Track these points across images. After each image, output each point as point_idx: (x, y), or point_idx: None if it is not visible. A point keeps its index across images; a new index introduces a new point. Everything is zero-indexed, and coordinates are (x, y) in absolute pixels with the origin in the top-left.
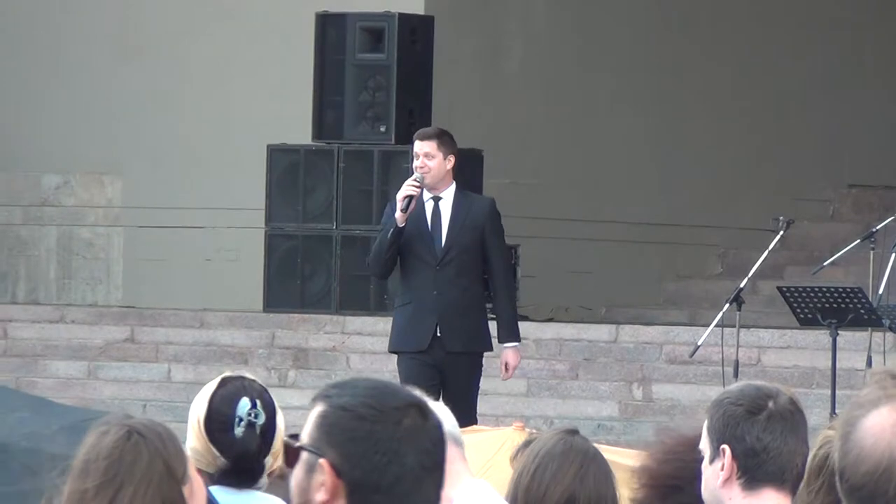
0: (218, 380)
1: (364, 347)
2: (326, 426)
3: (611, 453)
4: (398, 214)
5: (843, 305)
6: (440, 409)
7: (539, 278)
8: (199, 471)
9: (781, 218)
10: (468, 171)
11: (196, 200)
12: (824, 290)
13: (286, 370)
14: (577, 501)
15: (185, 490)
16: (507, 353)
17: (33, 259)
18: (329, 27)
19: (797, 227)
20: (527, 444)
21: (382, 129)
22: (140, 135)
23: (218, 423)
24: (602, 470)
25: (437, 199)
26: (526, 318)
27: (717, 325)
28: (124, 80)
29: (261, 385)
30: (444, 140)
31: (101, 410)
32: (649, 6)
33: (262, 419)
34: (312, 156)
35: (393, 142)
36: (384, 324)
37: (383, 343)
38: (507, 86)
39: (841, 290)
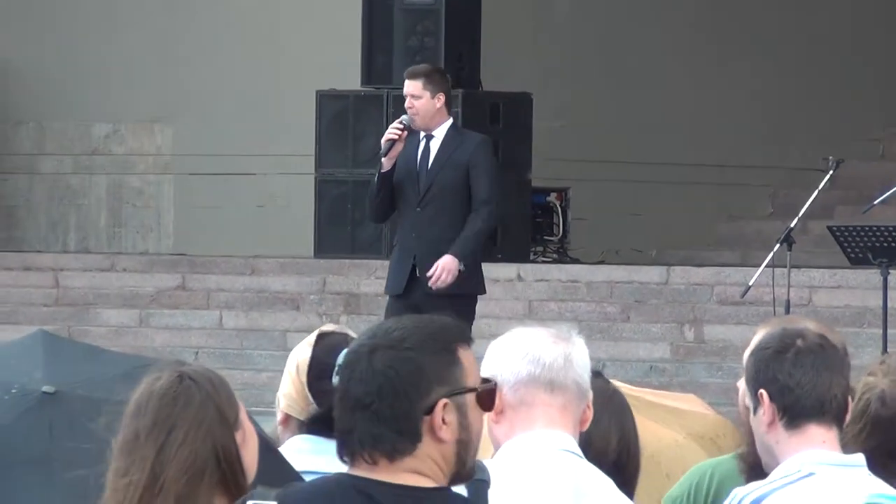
0: (319, 331)
1: None
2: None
3: (664, 398)
4: (383, 159)
5: (893, 244)
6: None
7: (590, 221)
8: (290, 417)
9: (831, 158)
10: (518, 113)
11: (246, 147)
12: (875, 229)
13: (337, 316)
14: (591, 444)
15: (238, 436)
16: (446, 257)
17: (84, 208)
18: None
19: (847, 167)
20: None
21: None
22: (190, 82)
23: (318, 370)
24: (619, 411)
25: (429, 138)
26: (577, 261)
27: (767, 266)
28: (173, 28)
29: None
30: (432, 78)
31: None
32: None
33: None
34: (361, 101)
35: None
36: None
37: None
38: (557, 28)
39: (892, 228)
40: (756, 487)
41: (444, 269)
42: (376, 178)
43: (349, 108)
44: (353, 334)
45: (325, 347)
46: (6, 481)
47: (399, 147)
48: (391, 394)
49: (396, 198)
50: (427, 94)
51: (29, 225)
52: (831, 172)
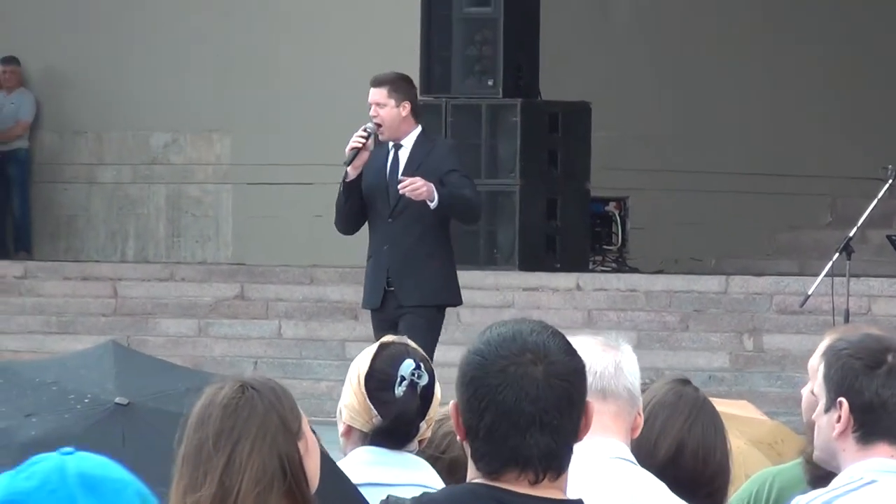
0: (380, 342)
1: (474, 301)
2: (459, 367)
3: (719, 405)
4: (347, 169)
5: None
6: (611, 360)
7: (648, 230)
8: (352, 428)
9: (890, 166)
10: (576, 123)
11: (304, 156)
12: None
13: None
14: (685, 450)
15: (301, 445)
16: (425, 182)
17: (143, 217)
18: None
19: None
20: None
21: (490, 82)
22: (247, 92)
23: (379, 381)
24: (711, 419)
25: (397, 147)
26: (636, 270)
27: (826, 275)
28: (231, 38)
29: (422, 353)
30: (397, 86)
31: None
32: None
33: (424, 380)
34: (420, 110)
35: (500, 95)
36: (494, 278)
37: (494, 297)
38: (614, 38)
39: None
40: (818, 495)
41: (415, 182)
42: (341, 188)
43: None
44: (412, 345)
45: (386, 358)
46: None
47: (364, 156)
48: (568, 407)
49: (367, 209)
50: (392, 103)
51: (88, 235)
52: (890, 181)
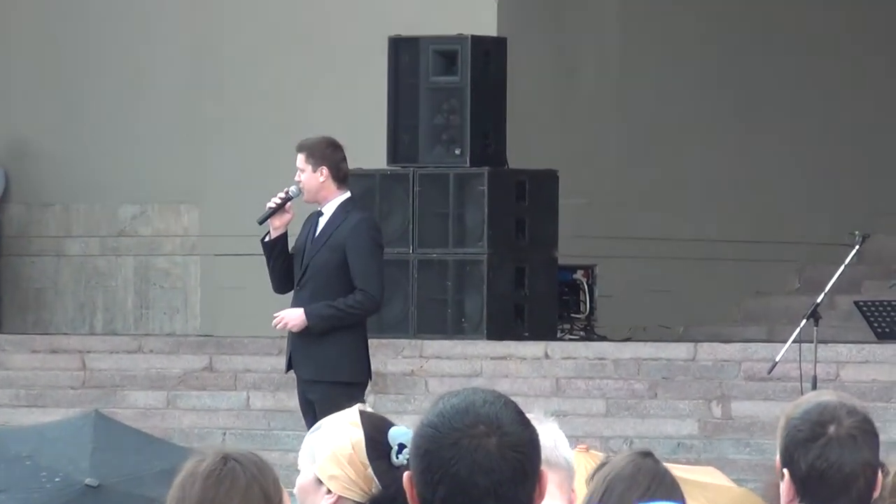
0: (353, 411)
1: (443, 371)
2: (412, 439)
3: (686, 472)
4: (270, 229)
5: None
6: (548, 430)
7: (616, 298)
8: (342, 499)
9: (857, 232)
10: (544, 191)
11: None
12: None
13: (365, 395)
14: None
15: None
16: (297, 310)
17: (111, 290)
18: (402, 51)
19: (873, 241)
20: (601, 466)
21: (457, 151)
22: (216, 163)
23: (375, 451)
24: (669, 493)
25: (319, 214)
26: (604, 338)
27: (794, 341)
28: (198, 109)
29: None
30: (314, 151)
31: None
32: (724, 25)
33: None
34: (388, 180)
35: (468, 164)
36: (462, 347)
37: (462, 366)
38: (581, 106)
39: None
40: None
41: (285, 318)
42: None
43: (376, 188)
44: (370, 410)
45: (374, 426)
46: None
47: (286, 217)
48: (522, 478)
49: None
50: (309, 168)
51: (56, 307)
52: (857, 247)
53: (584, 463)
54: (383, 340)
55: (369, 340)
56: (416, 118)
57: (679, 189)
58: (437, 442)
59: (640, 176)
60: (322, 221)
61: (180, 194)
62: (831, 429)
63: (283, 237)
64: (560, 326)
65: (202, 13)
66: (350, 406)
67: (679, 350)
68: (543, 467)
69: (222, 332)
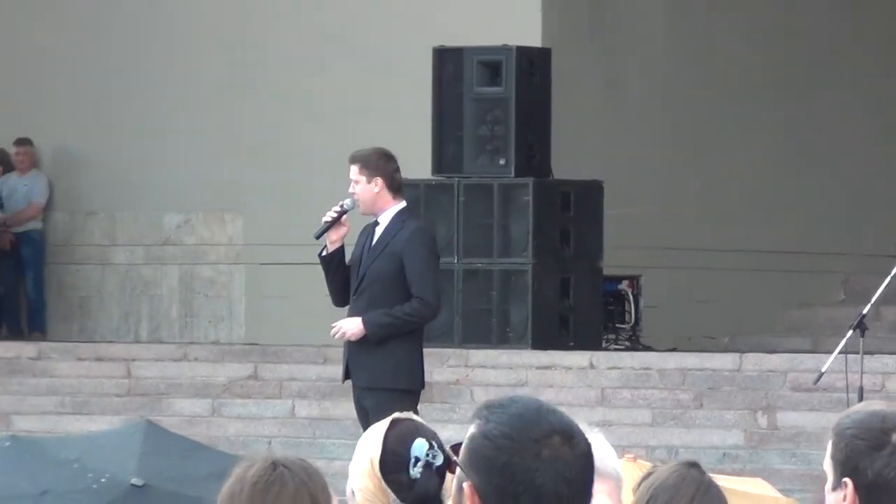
0: (389, 420)
1: (488, 380)
2: (471, 451)
3: (733, 482)
4: (327, 243)
5: None
6: (595, 440)
7: (661, 308)
8: None
9: None
10: (589, 201)
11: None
12: None
13: None
14: None
15: None
16: (355, 319)
17: (156, 298)
18: (447, 62)
19: None
20: (647, 476)
21: (502, 162)
22: (260, 171)
23: (392, 463)
24: (715, 502)
25: (375, 224)
26: (649, 349)
27: (840, 352)
28: (243, 118)
29: (430, 428)
30: (368, 163)
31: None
32: (769, 37)
33: (439, 460)
34: (432, 190)
35: (513, 175)
36: (507, 356)
37: (507, 376)
38: (626, 116)
39: None
40: None
41: (342, 327)
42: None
43: (420, 198)
44: (420, 421)
45: (397, 439)
46: None
47: (342, 231)
48: (591, 484)
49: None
50: (363, 179)
51: (101, 315)
52: None
53: (631, 472)
54: (429, 350)
55: None
56: (461, 128)
57: (724, 200)
58: (519, 454)
59: (685, 186)
60: (378, 231)
61: (225, 203)
62: (894, 437)
63: (340, 250)
64: (605, 336)
65: (247, 23)
66: (389, 414)
67: (724, 360)
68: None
69: (267, 341)
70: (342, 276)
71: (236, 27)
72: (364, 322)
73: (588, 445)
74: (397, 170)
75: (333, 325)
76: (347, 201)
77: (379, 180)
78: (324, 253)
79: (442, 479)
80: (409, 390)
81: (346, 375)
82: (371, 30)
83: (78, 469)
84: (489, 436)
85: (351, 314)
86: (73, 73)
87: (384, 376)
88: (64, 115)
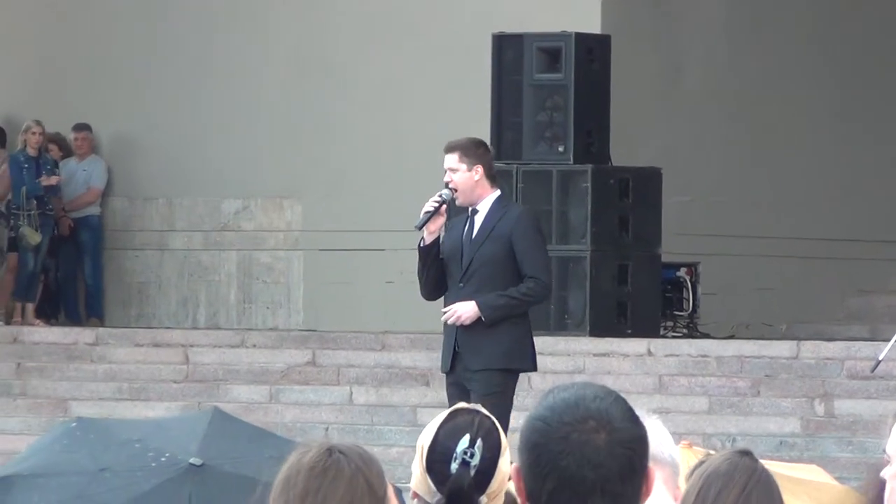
0: (450, 410)
1: (546, 367)
2: (521, 432)
3: (789, 469)
4: (424, 234)
5: None
6: (652, 427)
7: (720, 295)
8: (417, 495)
9: None
10: (647, 188)
11: (376, 223)
12: None
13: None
14: None
15: None
16: (469, 302)
17: (214, 284)
18: (506, 48)
19: None
20: (699, 463)
21: (561, 148)
22: (318, 158)
23: (439, 454)
24: (767, 490)
25: (473, 213)
26: (707, 336)
27: None
28: (302, 105)
29: (491, 423)
30: (468, 151)
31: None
32: (828, 26)
33: (476, 460)
34: (497, 175)
35: (571, 161)
36: (565, 343)
37: (565, 363)
38: (685, 103)
39: None
40: None
41: (457, 311)
42: (418, 256)
43: None
44: (483, 415)
45: (449, 431)
46: None
47: (440, 221)
48: (630, 474)
49: (446, 275)
50: (464, 167)
51: (159, 301)
52: None
53: (687, 459)
54: None
55: None
56: (520, 115)
57: (783, 187)
58: (547, 435)
59: (744, 174)
60: (478, 219)
61: (283, 189)
62: None
63: (437, 241)
64: (663, 324)
65: (307, 10)
66: (511, 394)
67: (782, 348)
68: (650, 464)
69: (325, 327)
70: (438, 267)
71: (297, 14)
72: (479, 304)
73: (632, 436)
74: (493, 158)
75: (445, 309)
76: (445, 192)
77: (479, 168)
78: (422, 244)
79: (484, 477)
80: (520, 370)
81: (452, 362)
82: (431, 16)
83: (139, 448)
84: (530, 417)
85: (458, 299)
86: (133, 58)
87: (499, 358)
88: (122, 100)
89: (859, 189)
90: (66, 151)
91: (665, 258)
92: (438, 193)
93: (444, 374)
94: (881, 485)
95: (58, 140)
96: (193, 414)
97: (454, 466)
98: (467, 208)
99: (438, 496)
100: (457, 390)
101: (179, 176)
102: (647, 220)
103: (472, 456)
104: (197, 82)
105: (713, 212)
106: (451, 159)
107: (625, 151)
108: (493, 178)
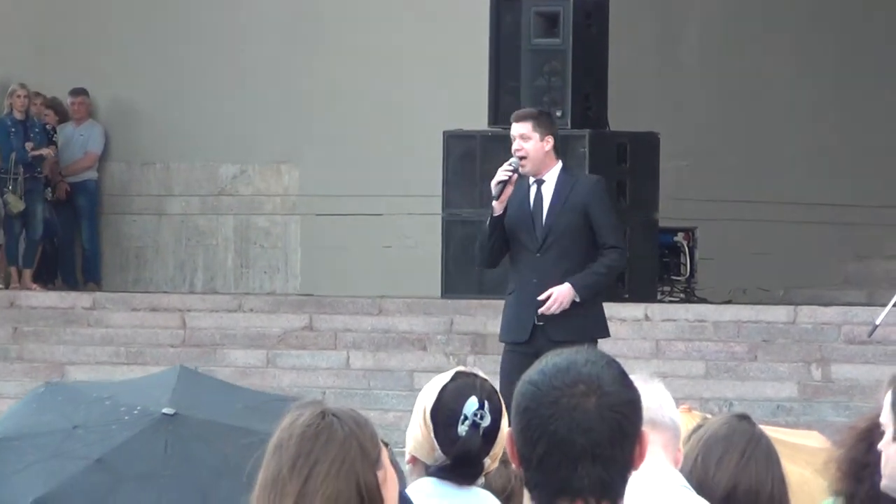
0: (451, 373)
1: None
2: (514, 397)
3: (788, 435)
4: (494, 203)
5: None
6: (654, 391)
7: (717, 260)
8: (417, 459)
9: None
10: (645, 153)
11: (373, 188)
12: None
13: (464, 356)
14: (739, 487)
15: (380, 474)
16: (564, 286)
17: (211, 248)
18: (504, 12)
19: None
20: (697, 427)
21: (558, 114)
22: (316, 123)
23: (444, 416)
24: (766, 455)
25: (539, 182)
26: (704, 301)
27: (895, 305)
28: (300, 70)
29: (492, 386)
30: (541, 121)
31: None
32: None
33: (486, 421)
34: (489, 141)
35: (569, 126)
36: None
37: None
38: (683, 69)
39: None
40: None
41: (558, 298)
42: (488, 223)
43: (476, 148)
44: (483, 376)
45: (453, 393)
46: (116, 497)
47: (509, 190)
48: (621, 439)
49: (510, 243)
50: (536, 137)
51: (156, 266)
52: None
53: (686, 423)
54: (484, 301)
55: (472, 301)
56: (518, 80)
57: (780, 152)
58: (538, 400)
59: (742, 139)
60: (547, 188)
61: (281, 154)
62: None
63: (505, 211)
64: (660, 289)
65: None
66: None
67: (779, 313)
68: (648, 428)
69: (322, 292)
70: (503, 236)
71: None
72: (575, 287)
73: (622, 400)
74: (558, 131)
75: (541, 298)
76: (514, 160)
77: (550, 139)
78: (493, 214)
79: (488, 441)
80: (602, 337)
81: (531, 334)
82: None
83: (110, 405)
84: (522, 381)
85: (534, 271)
86: (130, 23)
87: (585, 327)
88: (120, 65)
89: (858, 154)
90: (63, 116)
91: (662, 223)
92: (508, 163)
93: (509, 344)
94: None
95: (54, 105)
96: (160, 372)
97: (462, 429)
98: (526, 178)
99: (442, 458)
100: (526, 360)
101: (177, 141)
102: (645, 185)
103: (482, 418)
104: (195, 47)
105: (711, 177)
106: (524, 127)
107: (623, 116)
108: (558, 150)
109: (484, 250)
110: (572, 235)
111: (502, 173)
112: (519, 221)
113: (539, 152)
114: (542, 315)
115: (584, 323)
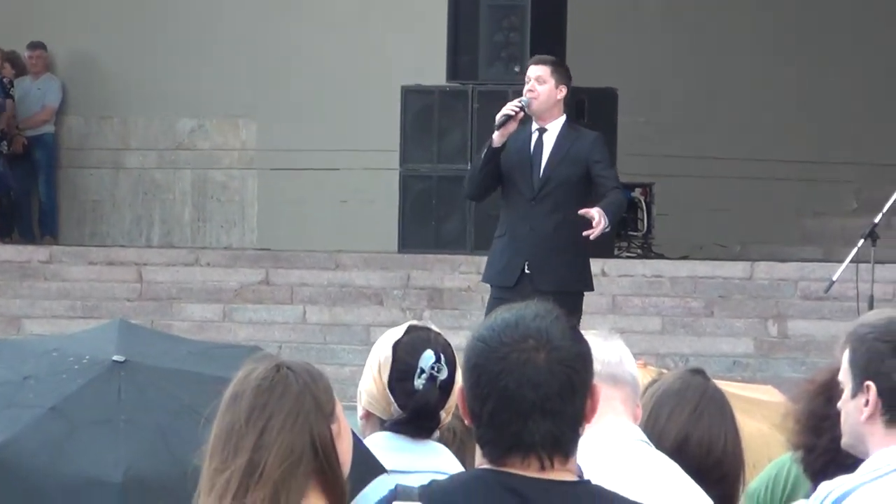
0: (404, 327)
1: None
2: (464, 353)
3: (743, 389)
4: (494, 134)
5: None
6: (612, 347)
7: (673, 216)
8: (371, 413)
9: None
10: (603, 109)
11: (330, 142)
12: None
13: (421, 311)
14: (690, 440)
15: (334, 428)
16: (598, 210)
17: (168, 202)
18: None
19: None
20: (652, 382)
21: (517, 69)
22: (273, 78)
23: (399, 371)
24: (719, 409)
25: (542, 131)
26: (661, 257)
27: (851, 261)
28: (257, 25)
29: (445, 340)
30: (559, 69)
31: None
32: None
33: (444, 374)
34: (447, 97)
35: None
36: None
37: None
38: (642, 23)
39: None
40: (844, 481)
41: (601, 220)
42: (484, 153)
43: (434, 104)
44: (436, 329)
45: (408, 347)
46: (74, 443)
47: (512, 127)
48: (571, 393)
49: (505, 186)
50: (552, 82)
51: (113, 220)
52: None
53: (642, 378)
54: (440, 256)
55: (428, 256)
56: (476, 35)
57: (738, 108)
58: (487, 356)
59: (700, 95)
60: (549, 137)
61: (238, 109)
62: None
63: (504, 145)
64: (617, 244)
65: None
66: (581, 315)
67: (735, 269)
68: (608, 384)
69: (279, 246)
70: (496, 172)
71: None
72: (607, 215)
73: (572, 354)
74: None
75: (589, 232)
76: (524, 98)
77: (564, 88)
78: (492, 144)
79: (445, 394)
80: (587, 290)
81: (513, 280)
82: None
83: (57, 356)
84: (471, 338)
85: (527, 217)
86: None
87: (572, 279)
88: (78, 18)
89: (816, 111)
90: (20, 70)
91: (620, 179)
92: (518, 99)
93: (495, 288)
94: (817, 395)
95: (12, 58)
96: (100, 325)
97: (419, 382)
98: (528, 126)
99: (398, 412)
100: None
101: (134, 95)
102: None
103: (439, 371)
104: (154, 1)
105: (668, 132)
106: (542, 70)
107: (581, 72)
108: (566, 103)
109: (473, 181)
110: (568, 188)
111: (509, 107)
112: (517, 165)
113: (551, 98)
114: (532, 263)
115: (571, 274)
